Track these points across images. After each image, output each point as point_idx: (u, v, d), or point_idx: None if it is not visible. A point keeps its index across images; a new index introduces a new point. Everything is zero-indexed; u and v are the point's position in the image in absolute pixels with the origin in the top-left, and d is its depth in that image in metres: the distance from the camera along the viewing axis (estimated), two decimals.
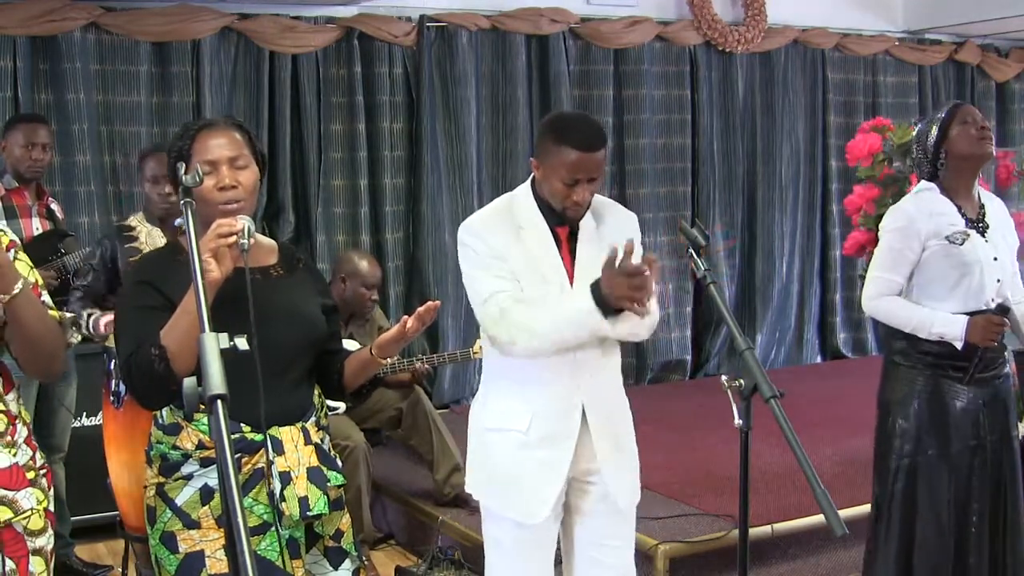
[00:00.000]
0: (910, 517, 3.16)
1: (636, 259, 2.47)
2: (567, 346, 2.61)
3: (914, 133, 3.23)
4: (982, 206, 3.19)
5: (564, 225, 2.69)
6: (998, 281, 3.12)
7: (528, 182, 2.75)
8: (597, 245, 2.66)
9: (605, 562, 2.82)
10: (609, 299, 2.46)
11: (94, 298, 3.78)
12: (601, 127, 2.67)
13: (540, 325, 2.57)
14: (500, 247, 2.64)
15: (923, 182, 3.18)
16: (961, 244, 3.06)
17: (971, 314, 3.06)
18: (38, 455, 2.21)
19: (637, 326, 2.61)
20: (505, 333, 2.61)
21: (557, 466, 2.70)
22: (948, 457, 3.12)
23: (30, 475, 2.15)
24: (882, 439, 3.23)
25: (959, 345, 3.06)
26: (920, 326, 3.08)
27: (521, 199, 2.73)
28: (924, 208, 3.10)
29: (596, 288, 2.49)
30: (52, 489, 2.25)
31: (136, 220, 3.90)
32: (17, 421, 2.17)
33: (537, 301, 2.61)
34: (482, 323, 2.67)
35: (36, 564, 2.14)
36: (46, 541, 2.16)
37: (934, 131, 3.13)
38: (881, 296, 3.14)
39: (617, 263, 2.43)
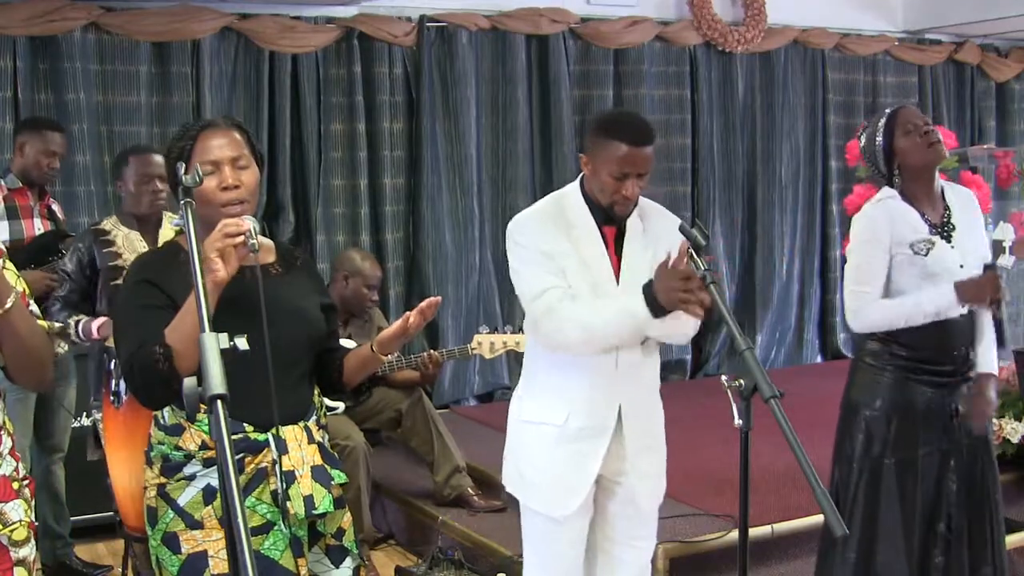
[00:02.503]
0: (872, 519, 3.09)
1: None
2: (612, 344, 2.65)
3: (861, 146, 3.18)
4: (947, 207, 3.13)
5: (611, 225, 2.73)
6: None
7: (577, 181, 2.79)
8: (642, 245, 2.71)
9: (625, 560, 2.87)
10: (661, 301, 2.49)
11: (72, 307, 3.74)
12: (650, 124, 2.72)
13: (591, 321, 2.61)
14: (549, 244, 2.68)
15: (885, 189, 3.13)
16: (925, 255, 3.01)
17: (941, 323, 3.01)
18: (21, 466, 2.19)
19: (683, 326, 2.64)
20: (556, 328, 2.65)
21: (590, 459, 2.74)
22: (915, 461, 3.06)
23: (15, 486, 2.14)
24: (847, 440, 3.16)
25: (956, 313, 3.00)
26: (913, 315, 3.01)
27: (570, 197, 2.77)
28: (887, 216, 3.06)
29: (648, 290, 2.52)
30: (34, 499, 2.23)
31: (110, 223, 3.84)
32: (2, 432, 2.15)
33: (588, 299, 2.65)
34: (533, 318, 2.71)
35: (19, 575, 2.12)
36: (29, 551, 2.14)
37: (879, 146, 3.09)
38: (864, 307, 3.09)
39: (670, 265, 2.47)
